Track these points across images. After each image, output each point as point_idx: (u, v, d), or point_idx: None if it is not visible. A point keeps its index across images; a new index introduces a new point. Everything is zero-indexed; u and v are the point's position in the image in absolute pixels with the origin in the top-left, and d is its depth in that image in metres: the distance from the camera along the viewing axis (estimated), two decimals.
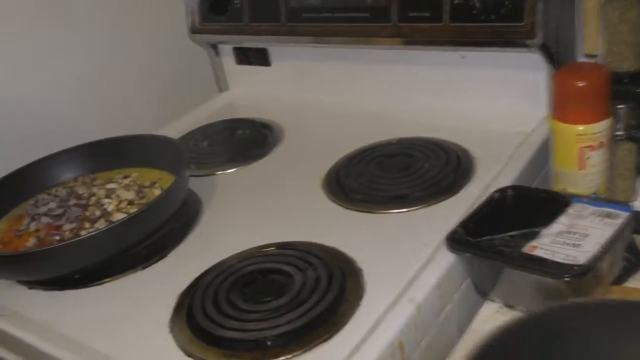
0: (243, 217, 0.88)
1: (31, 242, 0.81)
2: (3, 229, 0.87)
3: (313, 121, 1.10)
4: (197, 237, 0.85)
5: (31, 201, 0.91)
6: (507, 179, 0.81)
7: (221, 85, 1.29)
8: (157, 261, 0.81)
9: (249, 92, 1.24)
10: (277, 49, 1.16)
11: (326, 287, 0.68)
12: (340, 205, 0.85)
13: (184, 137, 1.12)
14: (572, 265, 0.60)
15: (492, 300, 0.70)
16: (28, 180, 0.93)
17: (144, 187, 0.91)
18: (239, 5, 1.11)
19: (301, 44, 1.08)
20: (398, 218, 0.80)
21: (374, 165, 0.92)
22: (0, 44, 1.02)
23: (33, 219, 0.85)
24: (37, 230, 0.82)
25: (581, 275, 0.59)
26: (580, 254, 0.61)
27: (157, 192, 0.90)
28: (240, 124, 1.14)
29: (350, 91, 1.09)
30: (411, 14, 0.93)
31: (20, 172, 0.93)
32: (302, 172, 0.95)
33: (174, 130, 1.15)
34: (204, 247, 0.83)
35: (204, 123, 1.18)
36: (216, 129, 1.15)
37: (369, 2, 0.96)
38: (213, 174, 1.00)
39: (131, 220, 0.77)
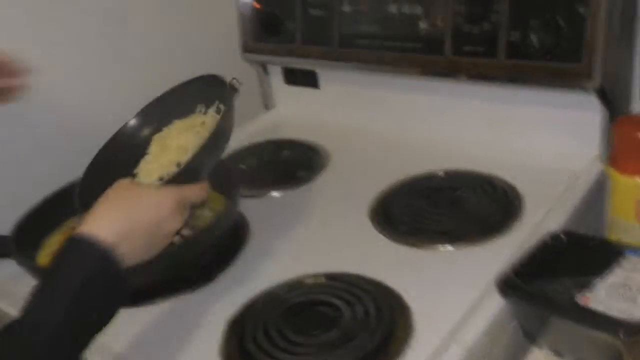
0: (290, 242, 0.89)
1: None
2: (58, 240, 0.90)
3: (360, 147, 1.11)
4: (244, 262, 0.86)
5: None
6: (556, 221, 0.81)
7: (268, 103, 1.31)
8: (206, 284, 0.82)
9: (296, 113, 1.26)
10: (327, 73, 1.17)
11: (375, 324, 0.69)
12: (387, 237, 0.86)
13: (230, 156, 1.14)
14: (628, 322, 0.60)
15: (540, 347, 0.70)
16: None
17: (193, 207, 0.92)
18: (291, 27, 1.12)
19: (351, 70, 1.08)
20: (445, 255, 0.81)
21: (421, 197, 0.93)
22: (66, 48, 1.04)
23: None
24: None
25: (637, 332, 0.59)
26: (636, 309, 0.61)
27: (207, 213, 0.92)
28: (286, 145, 1.16)
29: (398, 119, 1.10)
30: (466, 48, 0.93)
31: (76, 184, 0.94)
32: (349, 199, 0.96)
33: None
34: (251, 272, 0.84)
35: (250, 141, 1.19)
36: (262, 149, 1.16)
37: (423, 34, 0.97)
38: (260, 196, 1.02)
39: (185, 244, 0.78)
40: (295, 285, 0.78)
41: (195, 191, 0.72)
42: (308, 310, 0.74)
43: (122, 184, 0.69)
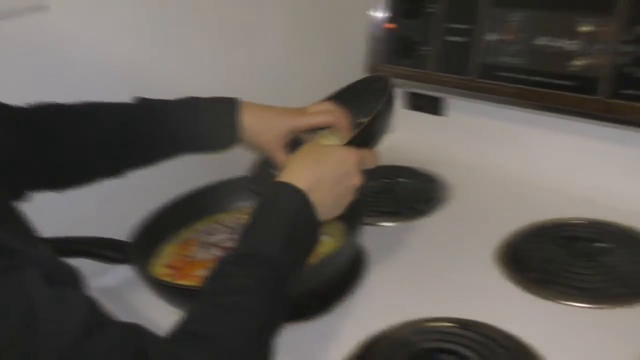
0: (409, 279, 0.83)
1: (202, 272, 0.80)
2: (172, 251, 0.88)
3: (486, 183, 1.04)
4: (362, 295, 0.82)
5: (200, 226, 0.92)
6: None
7: None
8: (321, 315, 0.78)
9: (417, 140, 1.20)
10: (456, 101, 1.11)
11: None
12: (515, 284, 0.79)
13: None
14: None
15: None
16: (198, 203, 0.94)
17: None
18: (425, 52, 1.08)
19: (486, 101, 1.02)
20: (584, 314, 0.74)
21: (555, 244, 0.86)
22: (192, 35, 1.04)
23: (202, 246, 0.85)
24: (206, 261, 0.82)
25: None
26: None
27: (325, 238, 0.88)
28: (404, 172, 1.11)
29: (532, 158, 1.03)
30: (623, 91, 0.85)
31: (192, 195, 0.93)
32: (473, 238, 0.90)
33: None
34: (370, 307, 0.79)
35: None
36: (378, 174, 1.11)
37: (577, 71, 0.89)
38: (377, 225, 0.97)
39: (307, 270, 0.74)
40: (419, 329, 0.72)
41: (371, 156, 0.76)
42: (433, 358, 0.68)
43: (308, 146, 0.76)
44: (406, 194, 1.05)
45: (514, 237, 0.88)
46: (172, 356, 0.51)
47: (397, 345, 0.70)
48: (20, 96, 0.82)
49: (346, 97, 0.90)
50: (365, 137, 0.77)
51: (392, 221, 0.98)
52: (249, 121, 0.82)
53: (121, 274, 0.88)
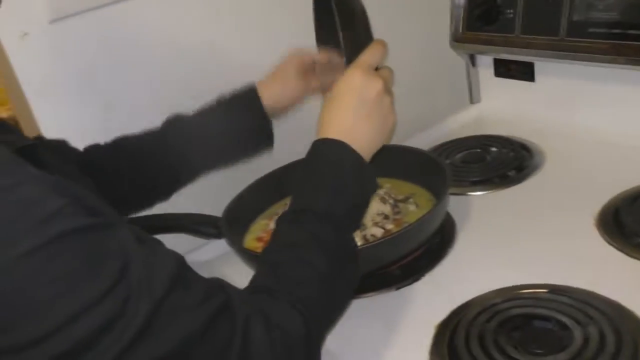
0: (501, 247, 0.81)
1: None
2: (263, 225, 0.90)
3: (581, 148, 0.99)
4: (451, 263, 0.80)
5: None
6: None
7: (473, 96, 1.23)
8: (410, 284, 0.78)
9: (505, 108, 1.16)
10: (546, 64, 1.06)
11: (614, 351, 0.59)
12: (619, 250, 0.75)
13: (435, 149, 1.08)
14: None
15: None
16: (289, 179, 0.94)
17: (398, 200, 0.88)
18: (511, 16, 1.03)
19: (578, 61, 0.97)
20: None
21: None
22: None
23: None
24: None
25: None
26: None
27: (411, 207, 0.87)
28: (494, 142, 1.07)
29: (632, 119, 0.96)
30: None
31: (281, 172, 0.95)
32: (569, 204, 0.86)
33: (424, 140, 1.12)
34: (459, 275, 0.78)
35: (454, 136, 1.12)
36: (469, 144, 1.08)
37: None
38: (466, 194, 0.95)
39: (393, 239, 0.74)
40: (511, 295, 0.70)
41: (372, 53, 0.71)
42: (528, 325, 0.66)
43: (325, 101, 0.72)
44: (497, 163, 1.01)
45: (616, 201, 0.83)
46: (252, 307, 0.54)
47: (488, 312, 0.68)
48: (104, 85, 0.88)
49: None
50: (354, 47, 0.72)
51: (483, 190, 0.95)
52: (269, 90, 0.86)
53: (217, 248, 0.91)
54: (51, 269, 0.44)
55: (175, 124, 0.85)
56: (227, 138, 0.85)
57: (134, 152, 0.84)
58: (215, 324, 0.51)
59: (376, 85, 0.68)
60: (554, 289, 0.69)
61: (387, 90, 0.69)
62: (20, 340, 0.44)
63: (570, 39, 0.95)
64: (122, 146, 0.85)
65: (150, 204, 0.87)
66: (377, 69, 0.71)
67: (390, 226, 0.83)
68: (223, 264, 0.89)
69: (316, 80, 0.89)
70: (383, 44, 0.72)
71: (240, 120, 0.85)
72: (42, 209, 0.44)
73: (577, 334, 0.62)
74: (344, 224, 0.64)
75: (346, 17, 0.74)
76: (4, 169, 0.46)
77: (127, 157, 0.84)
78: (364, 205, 0.67)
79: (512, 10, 1.03)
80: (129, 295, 0.46)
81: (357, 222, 0.67)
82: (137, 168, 0.84)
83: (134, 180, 0.83)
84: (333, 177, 0.65)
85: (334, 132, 0.66)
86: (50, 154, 0.68)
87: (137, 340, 0.46)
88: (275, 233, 0.64)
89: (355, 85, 0.68)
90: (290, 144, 0.93)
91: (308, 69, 0.88)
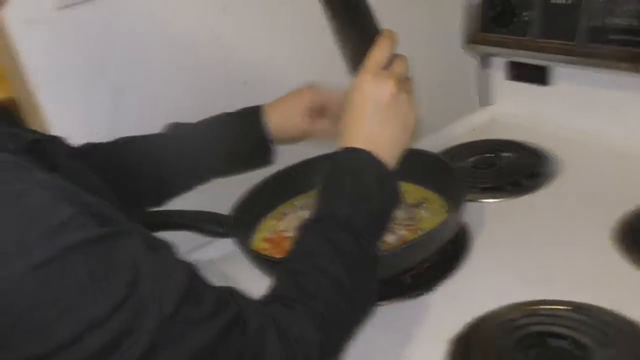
0: (516, 259, 0.79)
1: None
2: (271, 225, 0.88)
3: (597, 157, 0.97)
4: (465, 274, 0.78)
5: (298, 202, 0.91)
6: None
7: (483, 99, 1.21)
8: (423, 293, 0.76)
9: (517, 111, 1.14)
10: (561, 69, 1.04)
11: None
12: (637, 267, 0.73)
13: (445, 153, 1.06)
14: None
15: None
16: (299, 178, 0.93)
17: (410, 205, 0.86)
18: (527, 18, 1.01)
19: (595, 67, 0.95)
20: None
21: None
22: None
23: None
24: None
25: None
26: None
27: (424, 213, 0.85)
28: (506, 146, 1.05)
29: None
30: None
31: (293, 169, 0.93)
32: (585, 216, 0.84)
33: (434, 143, 1.09)
34: (473, 287, 0.76)
35: (465, 139, 1.10)
36: (480, 149, 1.06)
37: None
38: (479, 201, 0.93)
39: (409, 247, 0.73)
40: (529, 311, 0.68)
41: (379, 51, 0.68)
42: (545, 344, 0.64)
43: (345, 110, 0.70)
44: (510, 169, 0.99)
45: (634, 216, 0.81)
46: (266, 318, 0.52)
47: (504, 328, 0.66)
48: (112, 74, 0.86)
49: None
50: (362, 49, 0.68)
51: (495, 197, 0.93)
52: (274, 115, 0.84)
53: (223, 246, 0.89)
54: (59, 283, 0.42)
55: (173, 132, 0.84)
56: (221, 154, 0.84)
57: (127, 155, 0.82)
58: (227, 338, 0.49)
59: (387, 87, 0.66)
60: (573, 306, 0.67)
61: (402, 88, 0.67)
62: (26, 358, 0.42)
63: (588, 44, 0.93)
64: (118, 148, 0.83)
65: (140, 210, 0.85)
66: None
67: (402, 232, 0.81)
68: (228, 263, 0.87)
69: (322, 123, 0.86)
70: (390, 37, 0.69)
71: (237, 139, 0.84)
72: (51, 218, 0.43)
73: (597, 356, 0.60)
74: (366, 233, 0.62)
75: (344, 15, 0.71)
76: (11, 175, 0.44)
77: (121, 160, 0.81)
78: (388, 213, 0.66)
79: (527, 13, 1.01)
80: (138, 311, 0.44)
81: (380, 232, 0.65)
82: (128, 173, 0.81)
83: (125, 186, 0.79)
84: (354, 186, 0.63)
85: (355, 140, 0.65)
86: (57, 149, 0.66)
87: (146, 357, 0.44)
88: (297, 241, 0.63)
89: (366, 93, 0.66)
90: (298, 143, 0.92)
91: (316, 110, 0.86)
